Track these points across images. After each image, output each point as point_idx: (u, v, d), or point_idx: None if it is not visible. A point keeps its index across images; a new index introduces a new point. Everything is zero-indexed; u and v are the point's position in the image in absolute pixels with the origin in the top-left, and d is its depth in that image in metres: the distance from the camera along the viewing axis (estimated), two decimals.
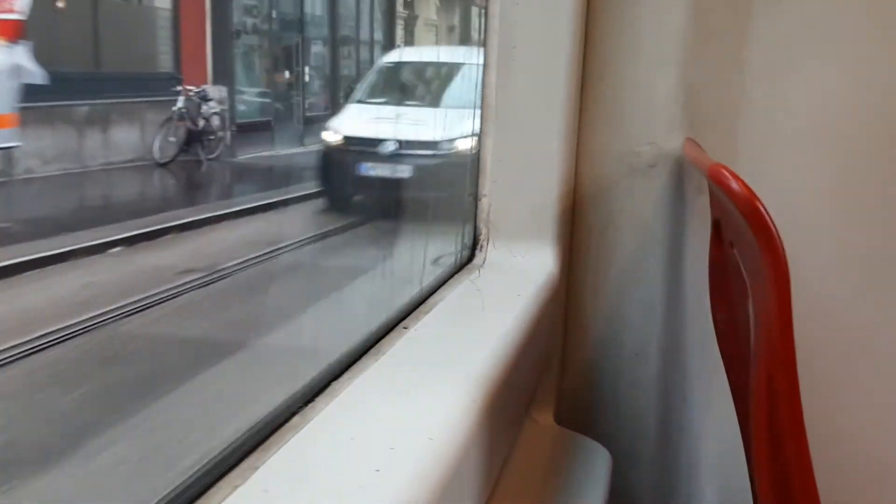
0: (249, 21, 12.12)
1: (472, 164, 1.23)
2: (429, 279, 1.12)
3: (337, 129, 8.39)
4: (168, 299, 5.15)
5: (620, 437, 1.24)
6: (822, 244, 1.16)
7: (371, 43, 14.81)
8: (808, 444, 0.69)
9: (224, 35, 11.26)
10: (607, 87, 1.20)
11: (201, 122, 9.89)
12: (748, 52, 1.18)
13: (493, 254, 1.20)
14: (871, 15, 1.15)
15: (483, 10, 1.22)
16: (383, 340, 0.86)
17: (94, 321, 4.61)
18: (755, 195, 0.65)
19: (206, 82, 10.73)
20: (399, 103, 8.41)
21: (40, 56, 6.79)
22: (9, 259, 5.37)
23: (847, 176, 1.18)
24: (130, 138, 9.35)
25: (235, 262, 6.08)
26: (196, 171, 9.78)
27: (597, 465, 1.14)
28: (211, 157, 9.94)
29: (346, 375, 0.78)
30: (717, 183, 0.73)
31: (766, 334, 0.69)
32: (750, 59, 1.18)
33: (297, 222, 8.01)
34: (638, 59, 1.19)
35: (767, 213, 0.65)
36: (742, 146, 1.18)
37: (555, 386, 1.27)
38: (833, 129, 1.17)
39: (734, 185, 0.68)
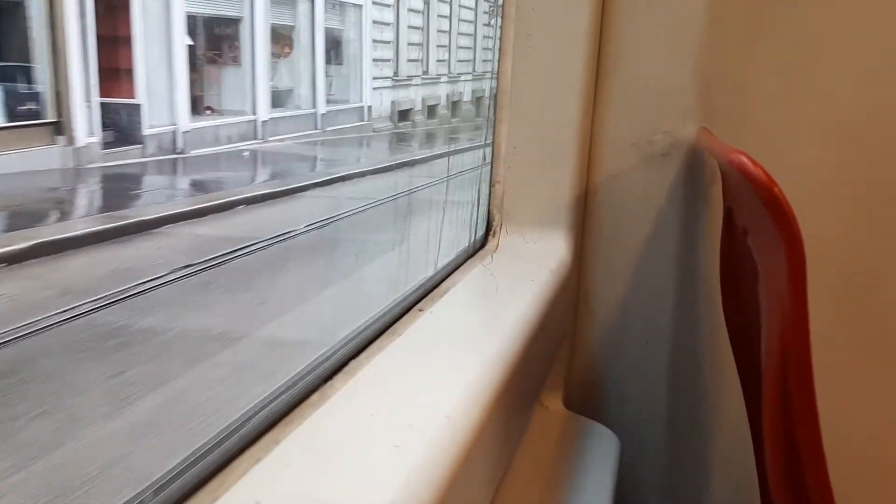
0: None
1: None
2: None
3: None
4: None
5: (629, 422, 1.25)
6: (832, 238, 1.16)
7: None
8: (819, 427, 0.70)
9: None
10: (622, 76, 1.21)
11: None
12: (763, 43, 1.18)
13: (505, 239, 1.21)
14: (888, 6, 1.15)
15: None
16: (399, 322, 0.87)
17: None
18: (774, 181, 0.66)
19: None
20: None
21: None
22: None
23: (860, 169, 1.18)
24: None
25: None
26: None
27: (605, 450, 1.15)
28: None
29: (363, 355, 0.78)
30: (736, 169, 0.73)
31: (781, 320, 0.70)
32: (765, 49, 1.18)
33: None
34: (653, 48, 1.19)
35: (785, 198, 0.65)
36: (755, 136, 1.18)
37: (565, 371, 1.28)
38: (847, 121, 1.17)
39: (754, 170, 0.69)
